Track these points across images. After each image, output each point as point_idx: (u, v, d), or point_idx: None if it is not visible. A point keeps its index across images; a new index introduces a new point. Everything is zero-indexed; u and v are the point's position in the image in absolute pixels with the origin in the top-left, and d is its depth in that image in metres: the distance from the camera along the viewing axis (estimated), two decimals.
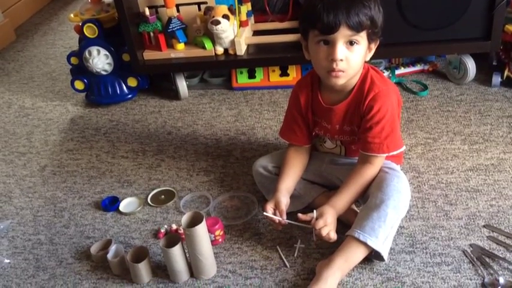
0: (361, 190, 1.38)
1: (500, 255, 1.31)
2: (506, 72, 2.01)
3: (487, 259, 1.30)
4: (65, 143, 2.09)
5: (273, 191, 1.44)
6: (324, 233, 1.28)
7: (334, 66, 1.26)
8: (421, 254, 1.35)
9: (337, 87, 1.35)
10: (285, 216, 1.38)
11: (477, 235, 1.38)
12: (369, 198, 1.32)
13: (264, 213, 1.38)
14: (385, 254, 1.27)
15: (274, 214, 1.38)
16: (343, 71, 1.27)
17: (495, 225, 1.40)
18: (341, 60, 1.25)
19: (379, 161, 1.38)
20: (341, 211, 1.34)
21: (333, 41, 1.24)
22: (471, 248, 1.35)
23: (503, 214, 1.44)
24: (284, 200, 1.41)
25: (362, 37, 1.26)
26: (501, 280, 1.23)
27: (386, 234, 1.27)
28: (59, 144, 2.09)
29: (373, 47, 1.33)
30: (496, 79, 2.04)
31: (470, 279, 1.26)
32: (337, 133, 1.46)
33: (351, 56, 1.26)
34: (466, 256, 1.33)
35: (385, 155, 1.36)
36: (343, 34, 1.23)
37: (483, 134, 1.79)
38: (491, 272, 1.27)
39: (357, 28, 1.22)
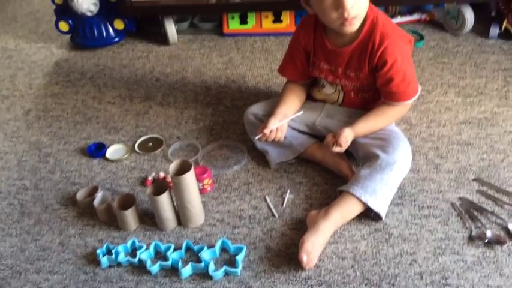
0: (383, 126, 1.40)
1: (489, 209, 1.31)
2: (504, 24, 1.96)
3: (476, 212, 1.31)
4: (50, 87, 2.03)
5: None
6: (334, 149, 1.33)
7: (346, 15, 1.24)
8: (409, 206, 1.35)
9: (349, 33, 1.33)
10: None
11: (467, 188, 1.38)
12: (373, 159, 1.31)
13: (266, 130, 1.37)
14: (383, 214, 1.29)
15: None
16: (355, 17, 1.26)
17: (485, 179, 1.40)
18: (351, 7, 1.22)
19: (406, 106, 1.44)
20: (359, 136, 1.36)
21: None
22: (460, 201, 1.35)
23: (493, 168, 1.43)
24: (276, 121, 1.40)
25: None
26: (488, 233, 1.23)
27: (386, 195, 1.29)
28: (44, 88, 2.03)
29: None
30: (494, 31, 1.99)
31: (458, 232, 1.27)
32: (340, 77, 1.42)
33: None
34: (455, 209, 1.33)
35: (411, 100, 1.39)
36: None
37: (478, 86, 1.76)
38: (479, 225, 1.27)
39: None
